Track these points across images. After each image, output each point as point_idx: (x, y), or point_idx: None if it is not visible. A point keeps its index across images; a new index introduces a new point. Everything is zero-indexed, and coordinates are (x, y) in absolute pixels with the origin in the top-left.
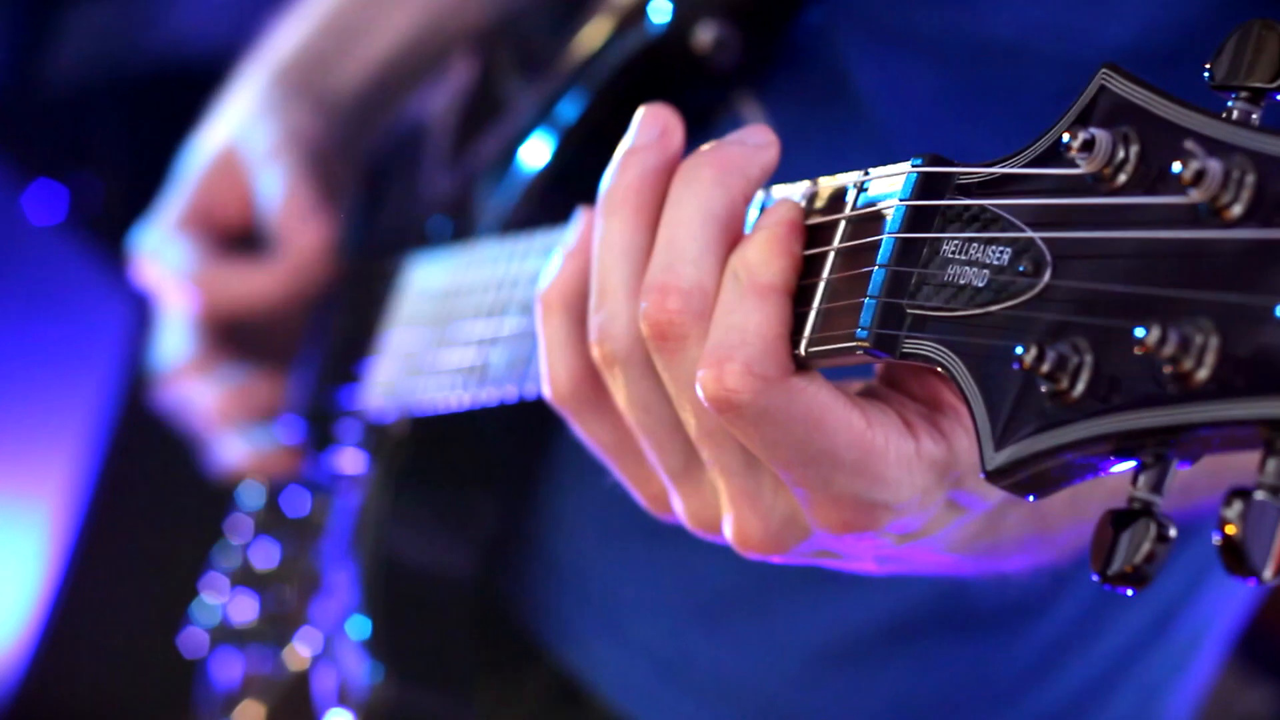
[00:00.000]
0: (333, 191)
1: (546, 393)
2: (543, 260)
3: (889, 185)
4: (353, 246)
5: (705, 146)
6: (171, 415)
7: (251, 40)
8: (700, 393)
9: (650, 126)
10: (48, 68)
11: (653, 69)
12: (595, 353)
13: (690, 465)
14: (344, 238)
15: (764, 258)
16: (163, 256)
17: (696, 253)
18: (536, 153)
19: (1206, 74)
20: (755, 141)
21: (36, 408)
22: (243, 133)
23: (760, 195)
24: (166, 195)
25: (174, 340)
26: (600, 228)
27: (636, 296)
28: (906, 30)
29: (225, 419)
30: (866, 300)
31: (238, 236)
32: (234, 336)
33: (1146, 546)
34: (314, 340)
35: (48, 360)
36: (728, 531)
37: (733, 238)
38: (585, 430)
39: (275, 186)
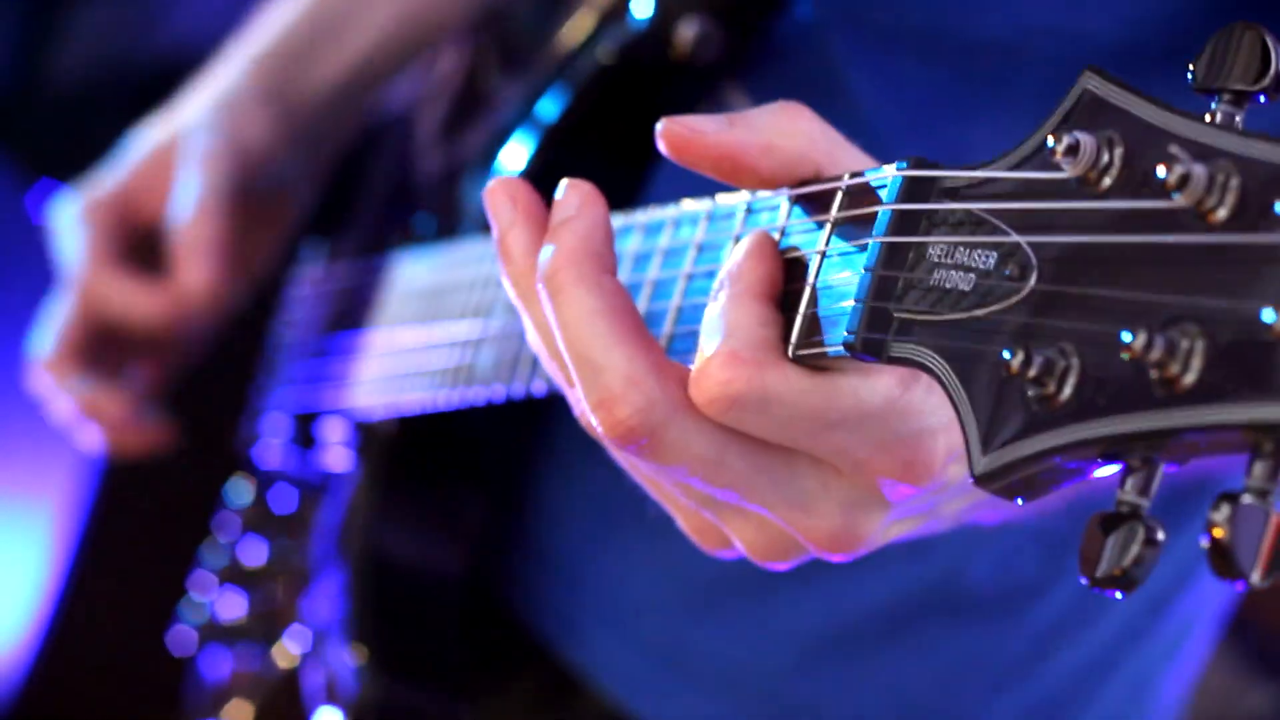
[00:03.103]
0: (270, 205)
1: (604, 418)
2: None
3: (874, 189)
4: (343, 246)
5: (545, 250)
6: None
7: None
8: (697, 399)
9: (570, 199)
10: (52, 67)
11: (635, 65)
12: (613, 436)
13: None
14: (294, 239)
15: (737, 269)
16: (68, 236)
17: (602, 354)
18: (520, 150)
19: (1189, 77)
20: (576, 206)
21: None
22: (191, 129)
23: (747, 197)
24: (103, 169)
25: (50, 327)
26: (553, 306)
27: (624, 347)
28: (899, 29)
29: (76, 419)
30: (853, 304)
31: (153, 235)
32: (107, 342)
33: (1135, 550)
34: (300, 338)
35: None
36: (805, 544)
37: (625, 312)
38: (676, 445)
39: (189, 201)
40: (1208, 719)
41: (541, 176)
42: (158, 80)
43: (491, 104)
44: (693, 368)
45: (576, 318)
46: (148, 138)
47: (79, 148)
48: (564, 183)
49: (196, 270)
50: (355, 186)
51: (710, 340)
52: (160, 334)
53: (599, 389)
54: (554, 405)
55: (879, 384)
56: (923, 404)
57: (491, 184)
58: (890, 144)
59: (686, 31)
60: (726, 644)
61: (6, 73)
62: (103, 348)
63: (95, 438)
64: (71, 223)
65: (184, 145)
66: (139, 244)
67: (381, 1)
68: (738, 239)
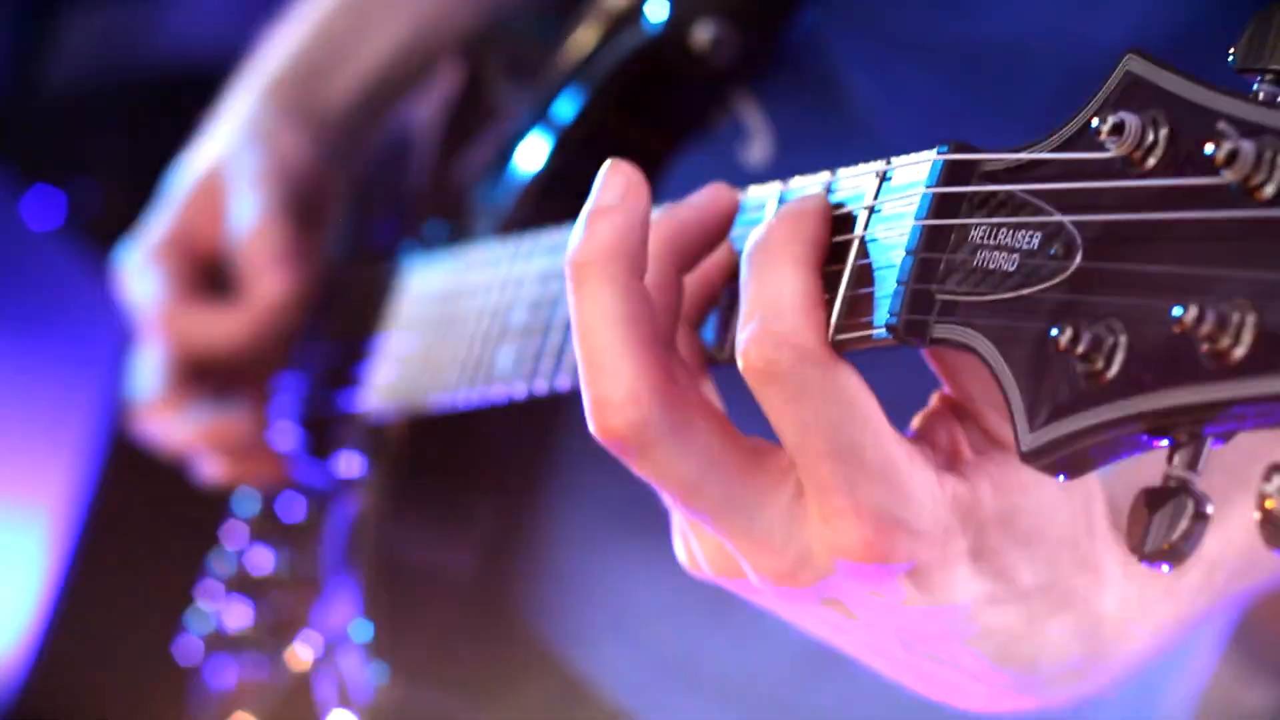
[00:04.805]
0: (315, 222)
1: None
2: (548, 259)
3: (914, 173)
4: (345, 254)
5: (580, 238)
6: (148, 445)
7: (250, 46)
8: (740, 363)
9: (614, 185)
10: (47, 73)
11: (650, 68)
12: (601, 437)
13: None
14: (334, 253)
15: (787, 236)
16: (138, 282)
17: (612, 361)
18: (533, 154)
19: (1230, 58)
20: (617, 198)
21: (36, 412)
22: (230, 156)
23: (779, 187)
24: (153, 213)
25: (146, 372)
26: (574, 296)
27: (634, 360)
28: (900, 33)
29: (199, 452)
30: (895, 287)
31: (216, 265)
32: (204, 373)
33: (1184, 524)
34: (309, 345)
35: (47, 365)
36: (746, 569)
37: (646, 324)
38: (660, 464)
39: (248, 219)
40: (1209, 713)
41: (557, 177)
42: (152, 86)
43: (499, 111)
44: (743, 330)
45: (595, 318)
46: (186, 174)
47: (74, 154)
48: (609, 163)
49: (269, 279)
50: (362, 197)
51: (764, 309)
52: (249, 354)
53: (599, 392)
54: (563, 412)
55: (886, 434)
56: (920, 498)
57: (617, 160)
58: (892, 149)
59: (702, 34)
60: (733, 652)
61: (2, 77)
62: (201, 382)
63: (219, 469)
64: (139, 268)
65: (229, 170)
66: (206, 275)
67: (390, 14)
68: None
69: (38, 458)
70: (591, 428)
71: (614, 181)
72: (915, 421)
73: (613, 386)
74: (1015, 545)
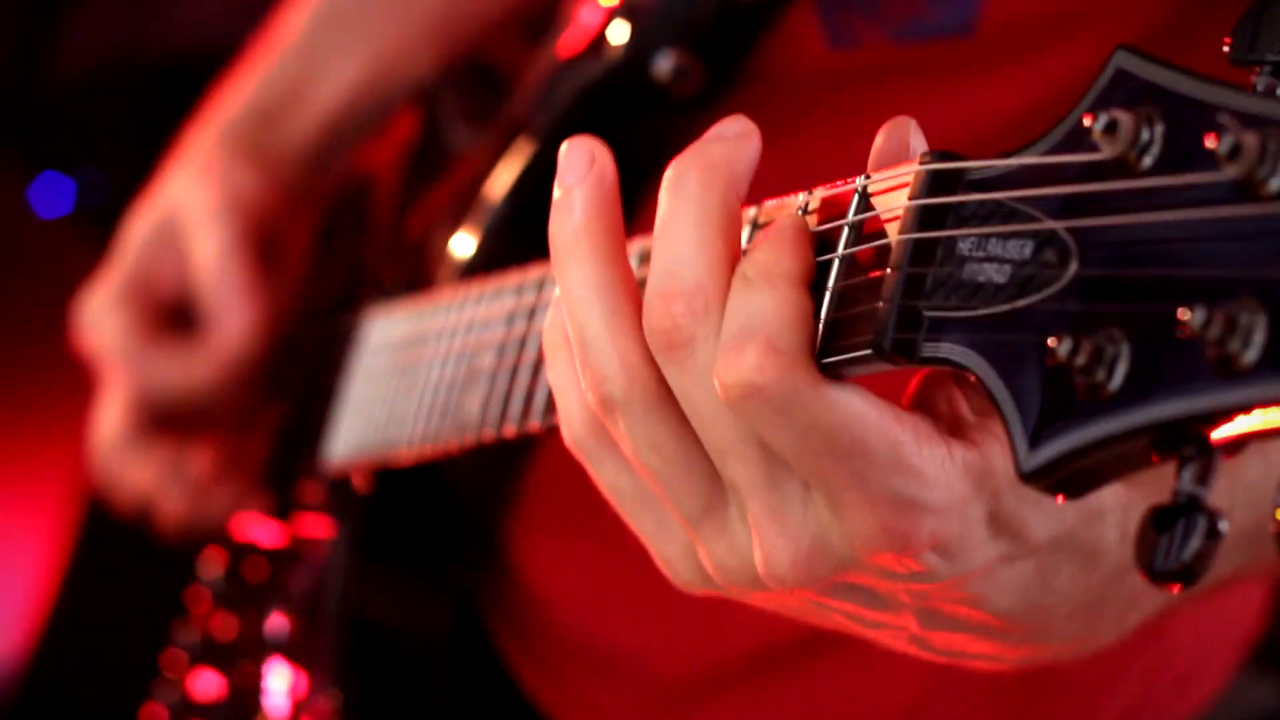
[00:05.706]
0: (276, 257)
1: (565, 436)
2: (513, 300)
3: (895, 186)
4: (307, 303)
5: (689, 149)
6: (105, 491)
7: (258, 34)
8: (718, 386)
9: (577, 160)
10: (55, 60)
11: (612, 101)
12: (592, 402)
13: (712, 503)
14: (298, 296)
15: (773, 254)
16: (99, 329)
17: (693, 254)
18: (494, 194)
19: (1226, 49)
20: (734, 133)
21: (39, 406)
22: (184, 196)
23: (751, 211)
24: (109, 261)
25: (109, 417)
26: (560, 278)
27: (620, 334)
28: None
29: (160, 493)
30: (879, 306)
31: (178, 305)
32: (168, 416)
33: (1195, 543)
34: (271, 403)
35: (51, 357)
36: (757, 562)
37: (730, 238)
38: (603, 475)
39: (208, 255)
40: (1213, 712)
41: (520, 217)
42: (161, 73)
43: (456, 156)
44: (720, 349)
45: (686, 213)
46: (140, 222)
47: (82, 141)
48: (566, 144)
49: (233, 317)
50: (322, 247)
51: (746, 321)
52: (213, 395)
53: (668, 279)
54: (531, 453)
55: (888, 418)
56: (934, 475)
57: (574, 138)
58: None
59: (664, 64)
60: (725, 687)
61: (10, 65)
62: (162, 428)
63: (179, 508)
64: (99, 314)
65: (183, 213)
66: (169, 317)
67: (344, 57)
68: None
69: (41, 451)
70: (590, 403)
71: (573, 157)
72: (912, 389)
73: (603, 355)
74: (1027, 504)
